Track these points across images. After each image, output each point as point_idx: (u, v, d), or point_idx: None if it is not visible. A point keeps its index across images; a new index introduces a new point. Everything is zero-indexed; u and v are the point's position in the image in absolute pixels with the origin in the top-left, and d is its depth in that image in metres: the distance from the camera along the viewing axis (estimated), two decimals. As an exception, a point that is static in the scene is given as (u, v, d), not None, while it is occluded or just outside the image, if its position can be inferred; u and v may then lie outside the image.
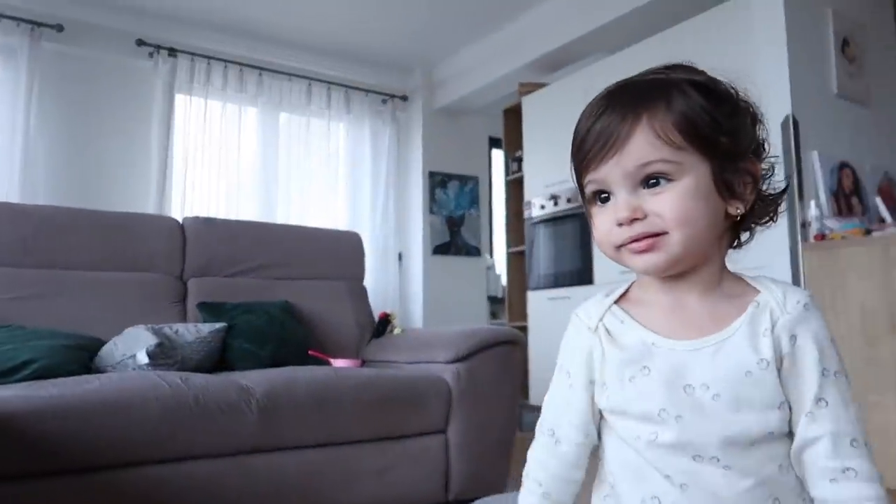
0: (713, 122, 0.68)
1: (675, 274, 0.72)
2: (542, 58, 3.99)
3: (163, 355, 2.02)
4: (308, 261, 2.70)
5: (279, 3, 3.88)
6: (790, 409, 0.68)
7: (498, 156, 4.99)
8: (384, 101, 4.77)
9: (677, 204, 0.67)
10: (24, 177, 3.46)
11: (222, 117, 4.18)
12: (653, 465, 0.69)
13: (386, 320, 2.58)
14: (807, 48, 2.76)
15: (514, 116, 4.22)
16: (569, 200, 3.63)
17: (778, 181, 0.76)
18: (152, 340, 2.02)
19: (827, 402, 0.67)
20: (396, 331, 2.55)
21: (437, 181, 4.80)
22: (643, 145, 0.67)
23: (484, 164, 5.13)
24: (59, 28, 3.67)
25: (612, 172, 0.69)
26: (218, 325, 2.22)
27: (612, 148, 0.68)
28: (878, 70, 3.08)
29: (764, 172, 0.73)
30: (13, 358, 1.85)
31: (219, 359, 2.22)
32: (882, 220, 2.66)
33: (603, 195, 0.72)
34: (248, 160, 4.25)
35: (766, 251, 2.60)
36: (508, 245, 4.29)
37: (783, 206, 0.77)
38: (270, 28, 4.18)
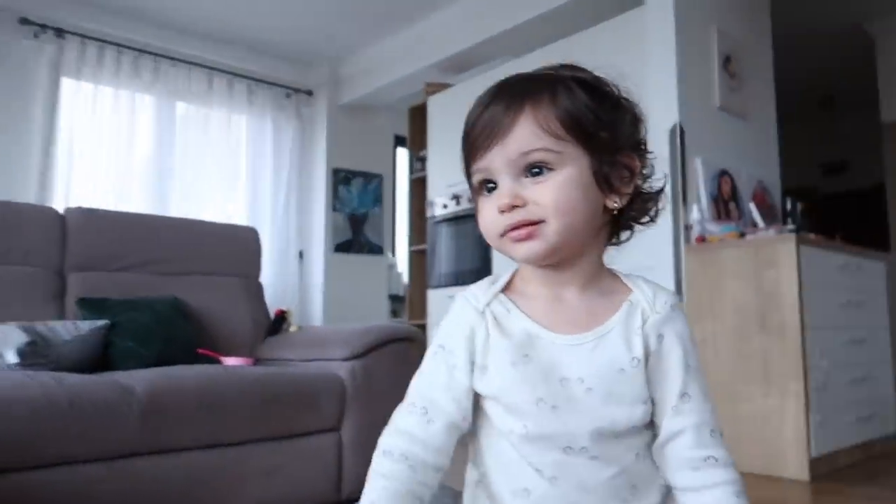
0: (594, 117, 0.71)
1: (554, 265, 0.74)
2: (448, 59, 4.03)
3: (35, 354, 1.90)
4: (201, 256, 2.60)
5: (177, -12, 3.72)
6: (653, 402, 0.72)
7: (402, 154, 5.00)
8: (288, 96, 4.68)
9: (556, 193, 0.69)
10: None
11: (114, 104, 3.97)
12: (525, 459, 0.71)
13: (282, 317, 2.53)
14: (693, 62, 2.93)
15: (419, 115, 4.24)
16: (470, 200, 3.67)
17: (657, 180, 0.79)
18: (23, 339, 1.89)
19: (690, 397, 0.72)
20: (292, 328, 2.50)
21: (340, 178, 4.75)
22: (526, 134, 0.69)
23: (388, 163, 5.12)
24: (-72, 1, 3.37)
25: (495, 160, 0.70)
26: (99, 323, 2.10)
27: (497, 136, 0.70)
28: (755, 86, 3.32)
29: (644, 171, 0.76)
30: None
31: (100, 359, 2.10)
32: (755, 225, 2.86)
33: (489, 184, 0.73)
34: (142, 150, 4.05)
35: (651, 251, 2.75)
36: (411, 243, 4.30)
37: (664, 207, 0.80)
38: (170, 14, 4.00)
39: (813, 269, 2.51)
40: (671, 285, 2.69)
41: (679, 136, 2.80)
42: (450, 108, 3.91)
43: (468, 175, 0.76)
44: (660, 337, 0.72)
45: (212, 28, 4.19)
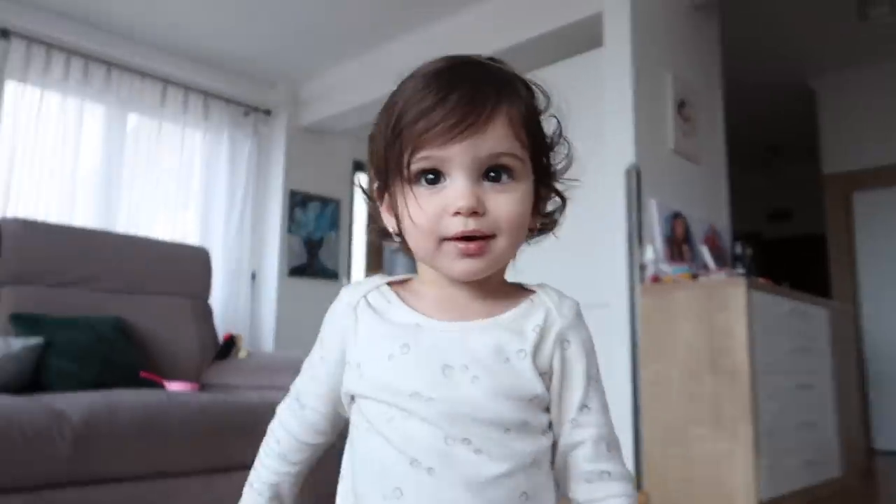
0: (545, 136, 0.69)
1: None
2: (410, 87, 4.04)
3: (-40, 373, 1.77)
4: (147, 274, 2.49)
5: (137, -2, 3.63)
6: (549, 409, 0.68)
7: (361, 180, 4.96)
8: (246, 114, 4.59)
9: (515, 207, 0.64)
10: None
11: (61, 111, 3.81)
12: (399, 450, 0.64)
13: (231, 342, 2.44)
14: (649, 105, 3.01)
15: (379, 142, 4.22)
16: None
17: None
18: (-52, 355, 1.76)
19: (590, 409, 0.68)
20: (242, 353, 2.42)
21: (297, 201, 4.67)
22: (502, 135, 0.63)
23: (346, 188, 5.07)
24: None
25: (461, 155, 0.62)
26: (33, 341, 1.98)
27: (469, 128, 0.62)
28: (707, 132, 3.42)
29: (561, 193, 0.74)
30: None
31: (32, 379, 1.98)
32: (706, 267, 2.92)
33: (430, 176, 0.64)
34: (89, 161, 3.89)
35: (605, 289, 2.77)
36: (367, 270, 4.25)
37: (562, 222, 0.76)
38: (125, 22, 3.89)
39: (762, 313, 2.56)
40: (625, 324, 2.72)
41: (636, 178, 2.85)
42: (411, 136, 3.91)
43: (398, 160, 0.64)
44: (566, 343, 0.68)
45: (168, 39, 4.09)
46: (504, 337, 0.66)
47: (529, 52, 3.46)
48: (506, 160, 0.64)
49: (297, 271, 4.59)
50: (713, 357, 2.52)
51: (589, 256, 2.90)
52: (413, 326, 0.67)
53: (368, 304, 0.70)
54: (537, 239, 0.74)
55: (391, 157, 0.65)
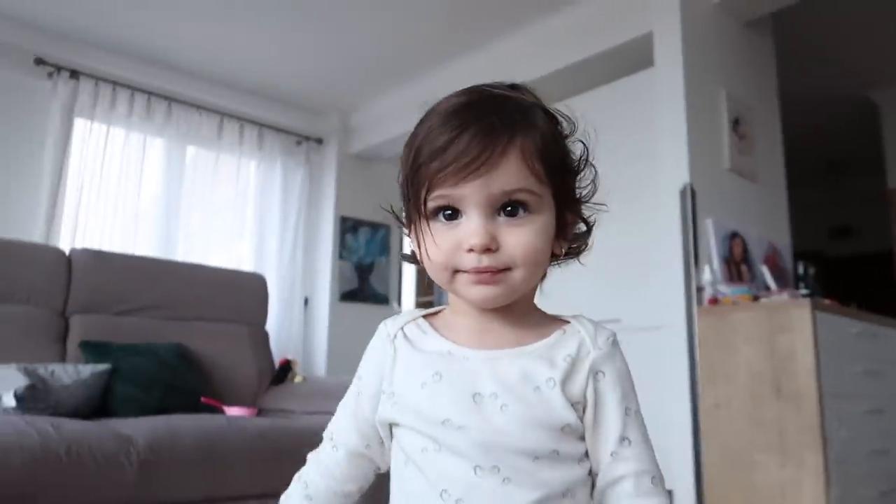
0: (570, 162, 0.69)
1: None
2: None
3: (34, 399, 1.85)
4: (207, 302, 2.56)
5: (193, 35, 3.79)
6: (586, 440, 0.67)
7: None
8: (298, 143, 4.71)
9: (532, 241, 0.64)
10: None
11: (125, 146, 3.98)
12: (430, 482, 0.65)
13: (287, 367, 2.48)
14: (703, 124, 2.95)
15: (428, 168, 4.26)
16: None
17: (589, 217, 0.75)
18: (22, 382, 1.84)
19: (630, 441, 0.67)
20: (297, 378, 2.45)
21: (348, 227, 4.74)
22: (514, 171, 0.63)
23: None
24: (-52, 40, 3.42)
25: (475, 193, 0.63)
26: (101, 368, 2.06)
27: (482, 167, 0.62)
28: (764, 149, 3.34)
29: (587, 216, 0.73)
30: None
31: (100, 404, 2.05)
32: (767, 288, 2.83)
33: (447, 212, 0.66)
34: (150, 193, 4.05)
35: (662, 312, 2.71)
36: (418, 295, 4.27)
37: (592, 244, 0.76)
38: (183, 59, 4.06)
39: (828, 335, 2.46)
40: (683, 347, 2.65)
41: (690, 197, 2.80)
42: (460, 160, 3.94)
43: (416, 197, 0.66)
44: (600, 374, 0.67)
45: (225, 73, 4.24)
46: (532, 365, 0.66)
47: (578, 75, 3.45)
48: (520, 195, 0.64)
49: (348, 296, 4.64)
50: (776, 381, 2.43)
51: (644, 279, 2.85)
52: (445, 355, 0.68)
53: (405, 336, 0.72)
54: (565, 262, 0.74)
55: (410, 192, 0.67)
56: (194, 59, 4.06)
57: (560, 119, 0.70)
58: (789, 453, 2.36)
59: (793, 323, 2.43)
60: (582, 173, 0.71)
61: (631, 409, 0.68)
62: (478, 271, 0.64)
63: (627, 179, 3.00)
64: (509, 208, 0.64)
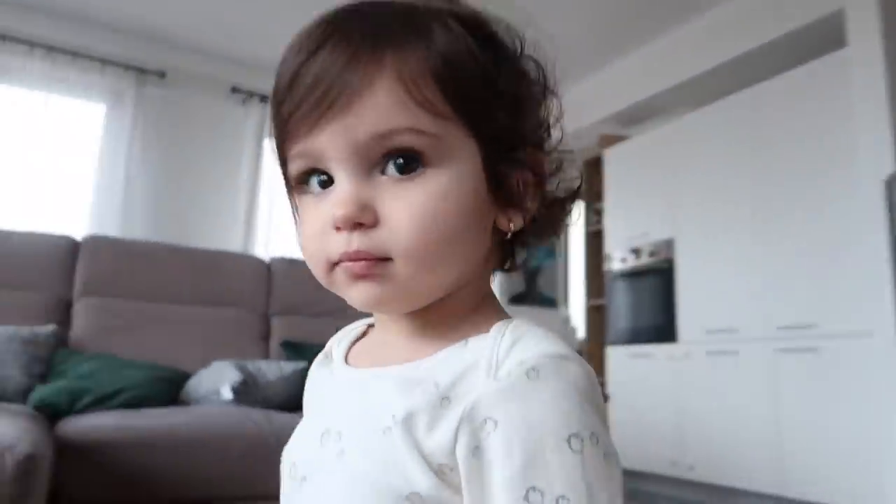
0: (491, 83, 0.45)
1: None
2: (623, 110, 3.97)
3: (246, 392, 2.05)
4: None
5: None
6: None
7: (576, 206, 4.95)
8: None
9: (427, 207, 0.43)
10: (124, 211, 3.64)
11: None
12: None
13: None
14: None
15: (593, 168, 4.19)
16: (651, 254, 3.55)
17: (571, 180, 0.52)
18: (237, 377, 2.06)
19: None
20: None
21: (514, 229, 4.79)
22: (386, 103, 0.42)
23: (560, 215, 5.09)
24: (162, 75, 3.91)
25: (333, 143, 0.43)
26: (301, 365, 2.24)
27: (336, 104, 0.42)
28: None
29: (551, 170, 0.50)
30: (107, 385, 1.91)
31: (298, 400, 2.23)
32: None
33: (320, 176, 0.46)
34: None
35: (865, 317, 2.44)
36: (588, 298, 4.21)
37: (578, 214, 0.55)
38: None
39: None
40: (892, 355, 2.37)
41: (897, 188, 2.51)
42: (628, 160, 3.84)
43: (282, 162, 0.48)
44: (486, 424, 0.40)
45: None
46: (383, 397, 0.44)
47: (757, 62, 3.23)
48: (403, 139, 0.43)
49: (516, 299, 4.68)
50: None
51: (842, 280, 2.60)
52: (327, 376, 0.53)
53: (326, 355, 0.56)
54: (536, 242, 0.53)
55: (277, 153, 0.48)
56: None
57: (483, 24, 0.47)
58: None
59: None
60: (516, 98, 0.47)
61: (543, 493, 0.38)
62: (350, 259, 0.44)
63: (821, 170, 2.76)
64: (399, 160, 0.43)
